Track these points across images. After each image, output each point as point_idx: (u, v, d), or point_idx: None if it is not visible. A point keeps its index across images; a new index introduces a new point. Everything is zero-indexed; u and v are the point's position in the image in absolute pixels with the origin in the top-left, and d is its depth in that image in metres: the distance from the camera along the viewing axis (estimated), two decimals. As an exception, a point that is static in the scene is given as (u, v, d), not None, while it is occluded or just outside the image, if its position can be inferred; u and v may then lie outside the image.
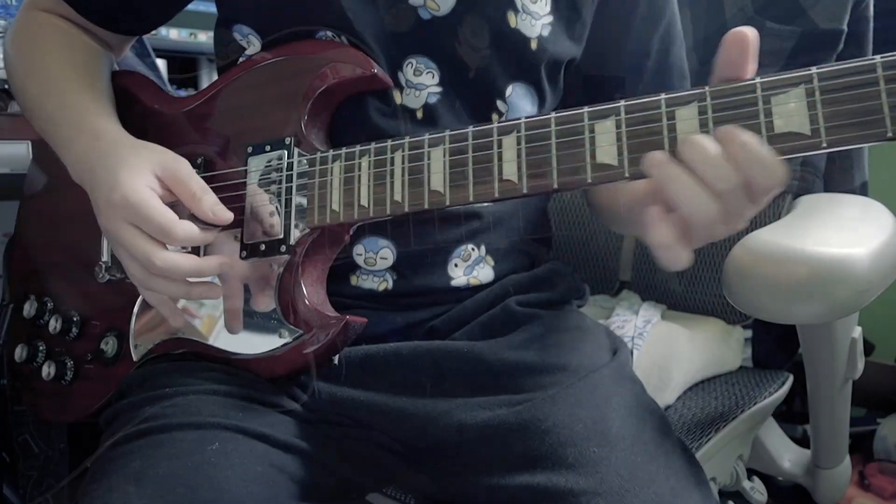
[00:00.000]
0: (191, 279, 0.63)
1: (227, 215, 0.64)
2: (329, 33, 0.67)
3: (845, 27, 0.95)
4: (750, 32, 0.47)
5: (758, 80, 0.47)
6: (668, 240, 0.49)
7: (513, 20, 0.68)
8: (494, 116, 0.70)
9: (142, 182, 0.62)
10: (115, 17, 0.78)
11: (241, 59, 0.73)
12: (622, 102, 0.51)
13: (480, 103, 0.70)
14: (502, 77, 0.70)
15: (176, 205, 0.64)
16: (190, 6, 0.82)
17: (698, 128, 0.49)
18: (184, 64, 1.62)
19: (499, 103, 0.70)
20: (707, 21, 1.06)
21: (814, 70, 0.46)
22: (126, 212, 0.61)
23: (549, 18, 0.70)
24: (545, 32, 0.70)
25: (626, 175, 0.51)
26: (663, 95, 0.50)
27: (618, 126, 0.51)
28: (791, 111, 0.46)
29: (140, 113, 0.77)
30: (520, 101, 0.71)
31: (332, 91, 0.67)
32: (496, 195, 0.56)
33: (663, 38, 0.76)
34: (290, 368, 0.65)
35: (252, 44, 0.72)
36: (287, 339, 0.65)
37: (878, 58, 0.44)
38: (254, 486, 0.57)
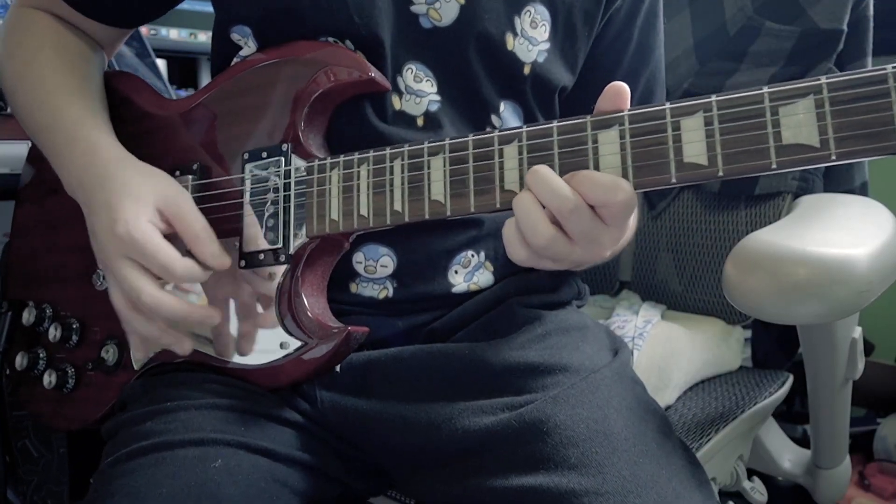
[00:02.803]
0: (171, 323, 0.63)
1: (227, 262, 0.64)
2: (330, 39, 0.67)
3: (845, 27, 0.95)
4: (624, 87, 0.52)
5: (765, 89, 0.47)
6: (509, 236, 0.54)
7: (510, 42, 0.68)
8: (489, 129, 0.70)
9: (144, 217, 0.62)
10: (107, 8, 0.77)
11: (235, 61, 0.72)
12: (626, 112, 0.51)
13: (476, 115, 0.70)
14: (494, 94, 0.70)
15: (174, 237, 0.64)
16: (190, 6, 0.82)
17: (704, 138, 0.48)
18: (184, 64, 1.62)
19: (493, 118, 0.71)
20: (707, 21, 1.06)
21: (823, 80, 0.45)
22: (128, 247, 0.61)
23: (547, 45, 0.70)
24: (540, 59, 0.70)
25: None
26: (668, 105, 0.49)
27: (622, 136, 0.51)
28: (799, 122, 0.45)
29: (134, 117, 0.76)
30: (510, 117, 0.72)
31: (328, 95, 0.66)
32: (497, 206, 0.55)
33: (649, 79, 0.80)
34: (292, 379, 0.65)
35: (248, 45, 0.71)
36: (289, 350, 0.65)
37: (889, 68, 0.43)
38: None
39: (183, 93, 1.49)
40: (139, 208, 0.62)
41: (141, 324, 0.64)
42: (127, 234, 0.61)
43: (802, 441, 1.17)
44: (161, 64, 1.32)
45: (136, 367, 0.72)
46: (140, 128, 0.75)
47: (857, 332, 0.85)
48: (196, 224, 0.63)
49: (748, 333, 1.13)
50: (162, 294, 0.62)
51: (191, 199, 0.65)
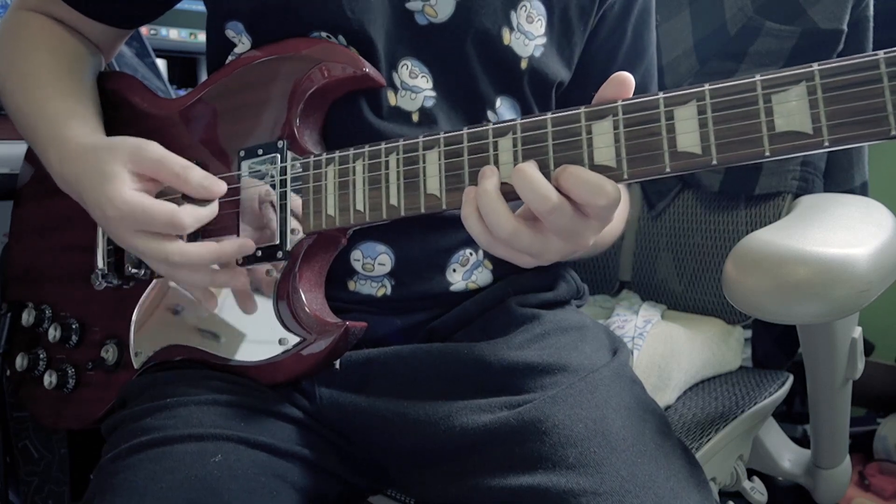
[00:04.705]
0: (213, 266, 0.64)
1: (220, 186, 0.64)
2: (324, 34, 0.67)
3: (845, 27, 0.95)
4: (629, 77, 0.52)
5: (758, 77, 0.47)
6: (472, 223, 0.54)
7: (507, 37, 0.69)
8: (484, 123, 0.70)
9: (125, 188, 0.61)
10: (107, 8, 0.77)
11: (230, 59, 0.72)
12: (620, 102, 0.51)
13: (472, 111, 0.70)
14: (491, 89, 0.70)
15: (167, 191, 0.64)
16: (191, 6, 0.82)
17: (697, 127, 0.48)
18: (184, 64, 1.62)
19: (489, 114, 0.71)
20: (707, 21, 1.06)
21: (815, 67, 0.45)
22: (127, 222, 0.61)
23: (543, 40, 0.71)
24: (537, 53, 0.71)
25: (625, 177, 0.51)
26: (661, 94, 0.49)
27: (615, 126, 0.51)
28: (792, 109, 0.45)
29: (130, 117, 0.76)
30: (507, 113, 0.72)
31: (323, 91, 0.66)
32: None
33: (644, 76, 0.81)
34: (291, 375, 0.65)
35: (243, 42, 0.71)
36: (287, 346, 0.65)
37: (881, 53, 0.43)
38: (257, 499, 0.58)
39: (183, 93, 1.49)
40: (116, 183, 0.61)
41: (188, 276, 0.64)
42: (118, 212, 0.61)
43: (802, 441, 1.17)
44: (161, 64, 1.32)
45: (134, 366, 0.72)
46: (137, 128, 0.75)
47: (857, 332, 0.85)
48: (172, 165, 0.62)
49: (748, 333, 1.13)
50: (187, 246, 0.62)
51: (158, 146, 0.63)
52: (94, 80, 0.78)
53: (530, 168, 0.52)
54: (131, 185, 0.62)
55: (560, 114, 0.53)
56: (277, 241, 0.64)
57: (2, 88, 0.76)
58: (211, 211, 0.64)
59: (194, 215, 0.62)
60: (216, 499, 0.55)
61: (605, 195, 0.50)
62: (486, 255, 0.72)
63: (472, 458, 0.61)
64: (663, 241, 1.12)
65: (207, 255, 0.62)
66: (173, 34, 1.53)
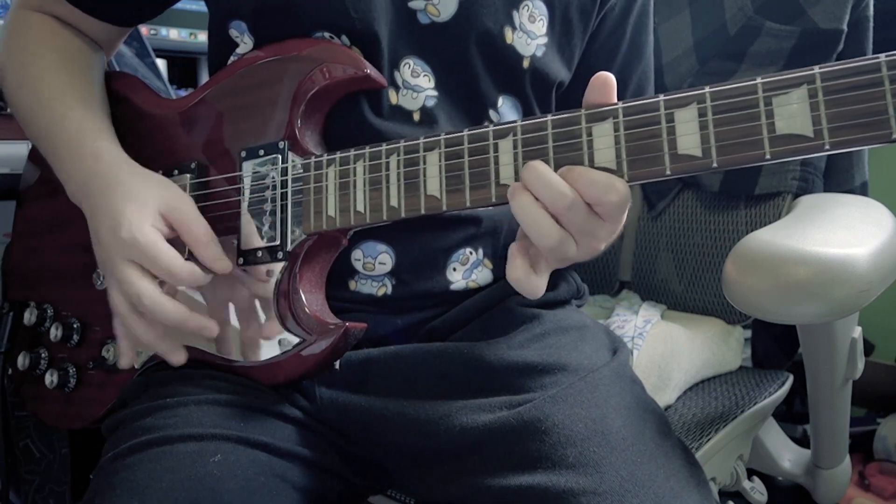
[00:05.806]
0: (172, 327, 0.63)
1: (228, 266, 0.64)
2: (326, 34, 0.67)
3: (845, 27, 0.95)
4: (610, 77, 0.52)
5: (759, 80, 0.47)
6: (520, 273, 0.54)
7: (509, 36, 0.69)
8: (485, 124, 0.71)
9: (148, 222, 0.62)
10: (108, 6, 0.77)
11: (231, 59, 0.72)
12: (620, 104, 0.51)
13: (474, 111, 0.70)
14: (492, 88, 0.70)
15: (176, 241, 0.64)
16: (191, 6, 0.81)
17: (698, 129, 0.48)
18: (184, 64, 1.62)
19: (491, 113, 0.71)
20: (707, 21, 1.06)
21: (816, 70, 0.45)
22: (131, 250, 0.61)
23: (545, 39, 0.71)
24: (539, 53, 0.71)
25: (625, 179, 0.51)
26: (662, 97, 0.49)
27: (616, 129, 0.51)
28: (793, 112, 0.45)
29: (132, 117, 0.76)
30: (508, 112, 0.72)
31: (324, 92, 0.66)
32: (493, 200, 0.55)
33: (641, 77, 0.81)
34: (291, 375, 0.65)
35: (245, 42, 0.71)
36: (287, 347, 0.65)
37: (882, 57, 0.43)
38: (256, 499, 0.58)
39: (183, 93, 1.49)
40: (143, 212, 0.62)
41: (140, 327, 0.64)
42: (131, 238, 0.61)
43: (802, 441, 1.17)
44: (161, 64, 1.32)
45: (133, 366, 0.72)
46: (138, 127, 0.75)
47: (857, 332, 0.85)
48: (198, 228, 0.64)
49: (748, 333, 1.13)
50: (163, 297, 0.62)
51: (193, 204, 0.65)
52: (103, 81, 0.78)
53: (542, 165, 0.52)
54: (154, 221, 0.63)
55: (560, 115, 0.53)
56: (278, 242, 0.64)
57: (13, 93, 0.75)
58: (205, 279, 0.64)
59: (191, 274, 0.62)
60: (216, 498, 0.55)
61: (616, 191, 0.50)
62: (486, 254, 0.72)
63: (472, 458, 0.62)
64: (663, 241, 1.12)
65: (175, 315, 0.62)
66: (173, 34, 1.53)
